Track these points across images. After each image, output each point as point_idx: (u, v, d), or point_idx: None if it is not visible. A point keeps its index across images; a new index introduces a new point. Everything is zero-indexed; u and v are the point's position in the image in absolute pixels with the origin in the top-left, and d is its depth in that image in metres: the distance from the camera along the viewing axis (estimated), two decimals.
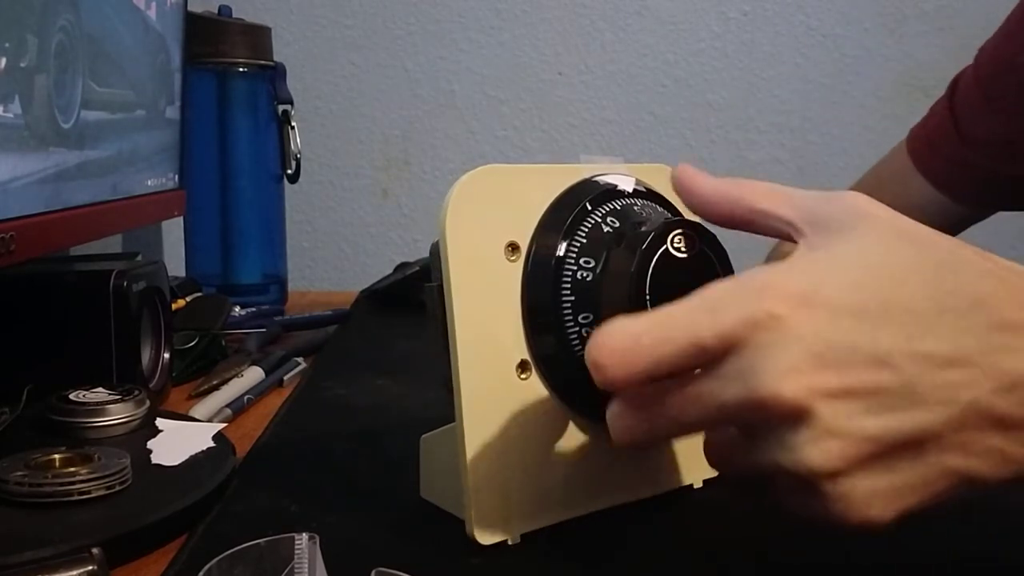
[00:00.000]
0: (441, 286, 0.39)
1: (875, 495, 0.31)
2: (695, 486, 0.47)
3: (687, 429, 0.35)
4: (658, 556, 0.40)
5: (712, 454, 0.37)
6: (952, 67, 0.81)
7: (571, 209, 0.40)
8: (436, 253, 0.40)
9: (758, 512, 0.44)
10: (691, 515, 0.44)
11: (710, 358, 0.32)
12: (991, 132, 0.74)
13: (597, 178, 0.42)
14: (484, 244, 0.39)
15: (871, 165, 0.89)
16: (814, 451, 0.31)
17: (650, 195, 0.43)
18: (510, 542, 0.40)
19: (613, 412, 0.35)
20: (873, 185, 0.85)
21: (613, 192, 0.41)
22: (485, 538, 0.39)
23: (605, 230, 0.40)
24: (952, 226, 0.82)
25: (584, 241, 0.39)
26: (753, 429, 0.33)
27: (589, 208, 0.40)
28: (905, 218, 0.35)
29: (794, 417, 0.31)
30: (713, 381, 0.32)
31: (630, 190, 0.42)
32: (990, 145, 0.75)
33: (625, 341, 0.33)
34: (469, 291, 0.38)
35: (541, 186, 0.41)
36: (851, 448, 0.31)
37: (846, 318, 0.31)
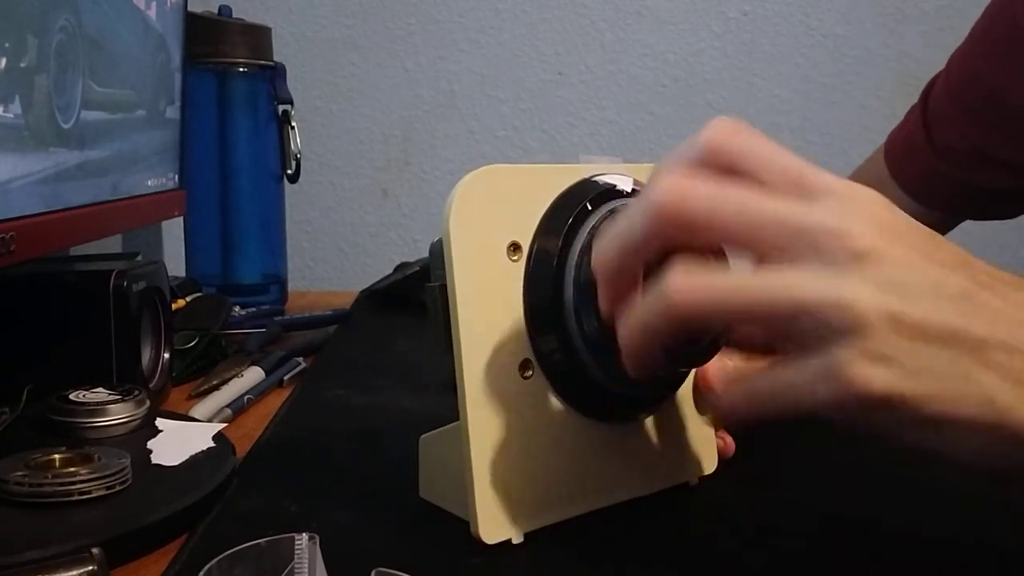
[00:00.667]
0: (443, 286, 0.39)
1: (891, 365, 0.30)
2: (691, 483, 0.47)
3: (735, 226, 0.32)
4: (661, 553, 0.40)
5: (737, 274, 0.33)
6: None
7: (572, 209, 0.40)
8: (436, 253, 0.40)
9: (760, 505, 0.44)
10: (692, 512, 0.45)
11: (797, 191, 0.32)
12: (961, 141, 0.74)
13: (596, 178, 0.42)
14: (486, 244, 0.39)
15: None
16: (869, 296, 0.30)
17: None
18: (514, 541, 0.40)
19: (679, 272, 0.32)
20: None
21: (612, 192, 0.41)
22: (490, 537, 0.39)
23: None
24: None
25: (587, 239, 0.40)
26: (808, 254, 0.31)
27: (589, 208, 0.40)
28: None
29: (862, 257, 0.30)
30: (796, 201, 0.31)
31: (629, 190, 0.42)
32: (960, 154, 0.74)
33: (748, 132, 0.34)
34: (472, 291, 0.39)
35: (542, 186, 0.41)
36: (903, 308, 0.30)
37: (927, 234, 0.32)
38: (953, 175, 0.75)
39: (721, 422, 0.46)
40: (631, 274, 0.34)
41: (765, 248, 0.32)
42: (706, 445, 0.48)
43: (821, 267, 0.30)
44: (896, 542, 0.41)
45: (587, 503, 0.43)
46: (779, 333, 0.32)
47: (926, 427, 0.30)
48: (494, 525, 0.39)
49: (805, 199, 0.31)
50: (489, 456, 0.39)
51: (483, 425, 0.39)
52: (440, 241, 0.40)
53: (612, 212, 0.40)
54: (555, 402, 0.41)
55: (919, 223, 0.33)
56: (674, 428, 0.47)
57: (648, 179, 0.34)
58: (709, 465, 0.48)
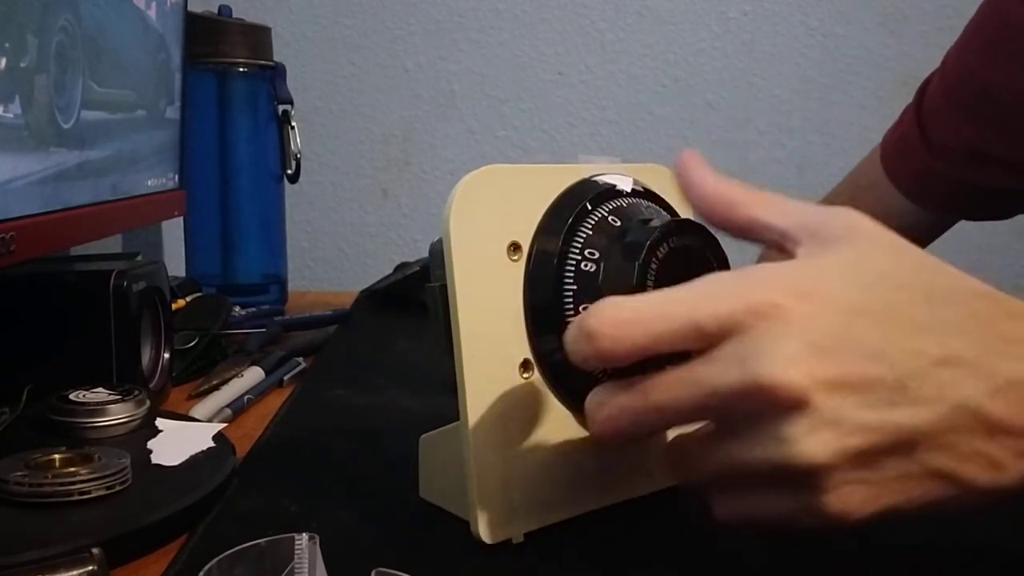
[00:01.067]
0: (443, 286, 0.39)
1: (859, 491, 0.31)
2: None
3: (673, 418, 0.34)
4: (661, 553, 0.40)
5: (676, 454, 0.36)
6: None
7: (572, 209, 0.40)
8: (436, 253, 0.40)
9: None
10: (692, 511, 0.44)
11: (707, 342, 0.32)
12: (956, 140, 0.74)
13: (596, 178, 0.42)
14: (487, 244, 0.39)
15: None
16: (811, 442, 0.30)
17: (648, 195, 0.43)
18: (514, 541, 0.40)
19: (595, 400, 0.35)
20: (850, 192, 0.85)
21: (612, 192, 0.41)
22: (490, 537, 0.39)
23: (607, 227, 0.40)
24: (922, 234, 0.81)
25: (590, 233, 0.40)
26: (741, 419, 0.32)
27: (589, 208, 0.40)
28: (898, 236, 0.36)
29: (792, 406, 0.30)
30: (710, 365, 0.32)
31: (628, 190, 0.42)
32: (955, 153, 0.74)
33: (623, 312, 0.33)
34: (472, 291, 0.39)
35: (541, 186, 0.41)
36: (846, 440, 0.31)
37: (845, 313, 0.32)
38: (947, 174, 0.75)
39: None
40: None
41: (715, 420, 0.34)
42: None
43: (766, 427, 0.31)
44: (896, 542, 0.41)
45: (587, 503, 0.43)
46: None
47: (907, 514, 0.32)
48: (494, 525, 0.39)
49: (716, 350, 0.32)
50: (489, 456, 0.39)
51: (483, 425, 0.39)
52: (440, 241, 0.40)
53: (613, 212, 0.40)
54: (555, 402, 0.41)
55: (840, 289, 0.32)
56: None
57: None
58: None
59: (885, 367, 0.31)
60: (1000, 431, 0.31)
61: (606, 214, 0.40)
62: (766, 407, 0.31)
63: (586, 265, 0.39)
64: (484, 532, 0.39)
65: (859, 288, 0.33)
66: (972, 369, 0.31)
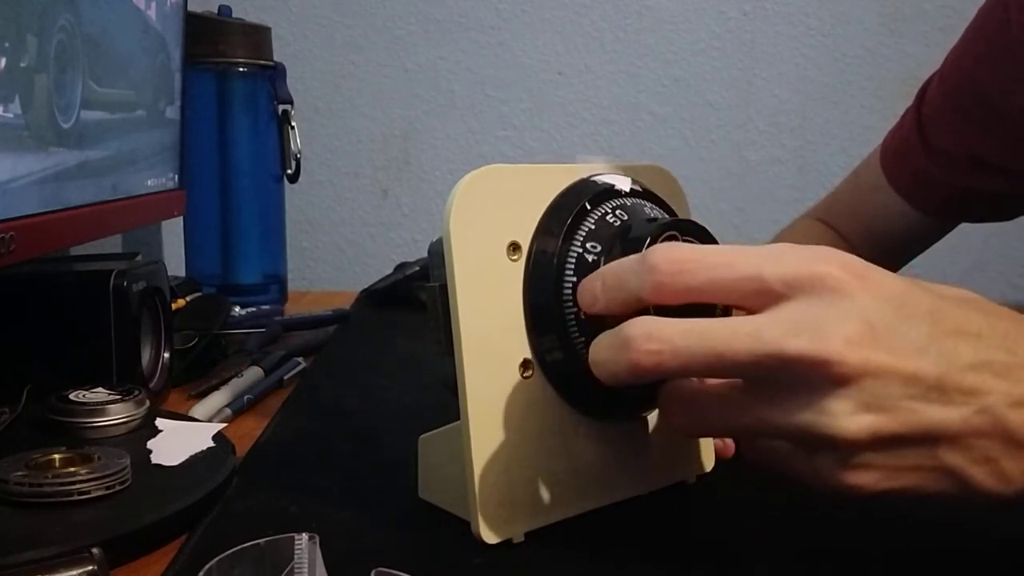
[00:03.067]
0: (443, 286, 0.39)
1: (875, 472, 0.33)
2: (689, 482, 0.47)
3: (720, 368, 0.33)
4: (661, 553, 0.40)
5: (687, 406, 0.36)
6: None
7: (571, 209, 0.40)
8: (436, 253, 0.40)
9: (761, 505, 0.44)
10: (692, 511, 0.44)
11: (764, 299, 0.33)
12: (954, 144, 0.74)
13: (595, 178, 0.42)
14: (487, 244, 0.39)
15: None
16: (852, 419, 0.32)
17: (647, 195, 0.43)
18: (514, 540, 0.40)
19: (642, 329, 0.33)
20: (850, 193, 0.84)
21: (611, 191, 0.41)
22: (491, 537, 0.39)
23: (609, 224, 0.40)
24: (921, 238, 0.81)
25: (591, 229, 0.40)
26: (784, 384, 0.33)
27: (588, 208, 0.40)
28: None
29: (842, 382, 0.32)
30: (776, 324, 0.32)
31: (627, 189, 0.42)
32: (953, 157, 0.74)
33: (690, 253, 0.34)
34: (473, 290, 0.39)
35: (541, 186, 0.41)
36: (882, 424, 0.32)
37: (896, 303, 0.33)
38: (945, 177, 0.75)
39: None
40: None
41: (755, 377, 0.34)
42: (704, 444, 0.48)
43: (806, 394, 0.32)
44: (896, 539, 0.41)
45: (587, 502, 0.43)
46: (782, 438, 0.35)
47: (910, 500, 0.34)
48: (495, 525, 0.39)
49: (773, 309, 0.33)
50: (490, 456, 0.39)
51: (484, 425, 0.39)
52: (439, 241, 0.40)
53: (612, 211, 0.40)
54: (555, 401, 0.41)
55: (886, 282, 0.33)
56: None
57: (619, 323, 0.35)
58: (707, 463, 0.48)
59: (928, 363, 0.32)
60: (1014, 443, 0.33)
61: (607, 212, 0.40)
62: (818, 377, 0.32)
63: (588, 257, 0.39)
64: (485, 532, 0.39)
65: (903, 283, 0.34)
66: (1000, 379, 0.33)
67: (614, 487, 0.44)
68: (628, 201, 0.41)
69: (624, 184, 0.42)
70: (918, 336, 0.33)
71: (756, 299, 0.33)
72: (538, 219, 0.41)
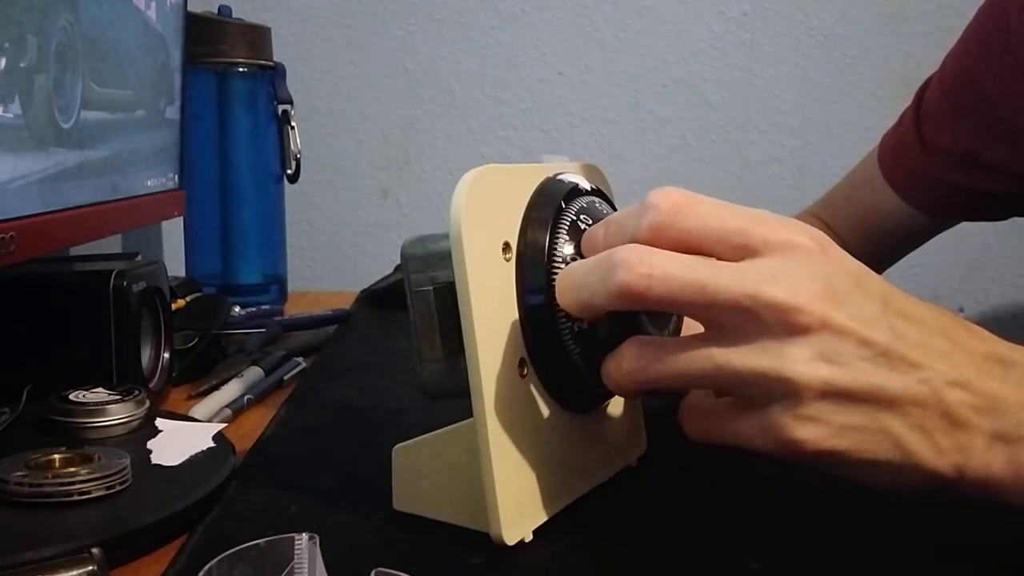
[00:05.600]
0: (439, 288, 0.39)
1: (821, 427, 0.35)
2: (632, 465, 0.49)
3: (704, 302, 0.35)
4: (661, 553, 0.40)
5: (645, 349, 0.38)
6: None
7: (550, 209, 0.41)
8: (415, 256, 0.40)
9: (761, 506, 0.44)
10: (691, 511, 0.44)
11: (742, 254, 0.36)
12: (953, 142, 0.74)
13: (560, 177, 0.43)
14: (488, 243, 0.39)
15: None
16: (808, 366, 0.34)
17: (597, 192, 0.44)
18: (525, 540, 0.40)
19: (637, 254, 0.36)
20: (846, 191, 0.85)
21: (577, 190, 0.42)
22: (512, 538, 0.39)
23: (580, 227, 0.41)
24: (913, 234, 0.81)
25: (567, 233, 0.40)
26: (746, 328, 0.35)
27: (563, 207, 0.41)
28: None
29: (803, 331, 0.34)
30: (755, 273, 0.35)
31: (588, 188, 0.43)
32: (951, 155, 0.74)
33: (689, 198, 0.37)
34: (482, 290, 0.38)
35: (521, 185, 0.42)
36: (836, 376, 0.35)
37: (854, 276, 0.36)
38: (943, 177, 0.75)
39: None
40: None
41: (720, 322, 0.36)
42: (639, 428, 0.50)
43: (767, 340, 0.35)
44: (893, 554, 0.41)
45: (572, 494, 0.44)
46: (729, 391, 0.38)
47: (848, 468, 0.36)
48: (513, 526, 0.39)
49: (751, 260, 0.36)
50: (504, 457, 0.39)
51: (498, 426, 0.39)
52: (414, 243, 0.40)
53: (581, 211, 0.41)
54: (545, 397, 0.42)
55: (852, 263, 0.37)
56: (620, 413, 0.49)
57: (606, 248, 0.38)
58: (642, 446, 0.51)
59: (879, 333, 0.35)
60: (949, 418, 0.35)
61: (576, 214, 0.41)
62: (782, 325, 0.35)
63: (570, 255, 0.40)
64: (507, 534, 0.39)
65: (861, 266, 0.37)
66: (940, 359, 0.36)
67: (588, 476, 0.45)
68: (589, 200, 0.42)
69: (583, 183, 0.43)
70: (872, 309, 0.36)
71: (738, 252, 0.36)
72: (520, 218, 0.41)
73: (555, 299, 0.39)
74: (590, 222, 0.41)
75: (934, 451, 0.35)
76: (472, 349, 0.38)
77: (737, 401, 0.37)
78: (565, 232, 0.40)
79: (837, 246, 0.37)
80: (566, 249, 0.40)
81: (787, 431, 0.35)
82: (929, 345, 0.36)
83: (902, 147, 0.79)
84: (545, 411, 0.42)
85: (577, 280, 0.38)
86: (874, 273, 0.38)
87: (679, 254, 0.36)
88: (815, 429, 0.35)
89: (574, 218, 0.41)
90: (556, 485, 0.42)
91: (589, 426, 0.46)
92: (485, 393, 0.38)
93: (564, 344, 0.40)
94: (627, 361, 0.38)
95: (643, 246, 0.36)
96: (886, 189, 0.79)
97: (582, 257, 0.40)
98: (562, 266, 0.40)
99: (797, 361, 0.34)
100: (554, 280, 0.39)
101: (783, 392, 0.35)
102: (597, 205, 0.43)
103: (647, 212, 0.37)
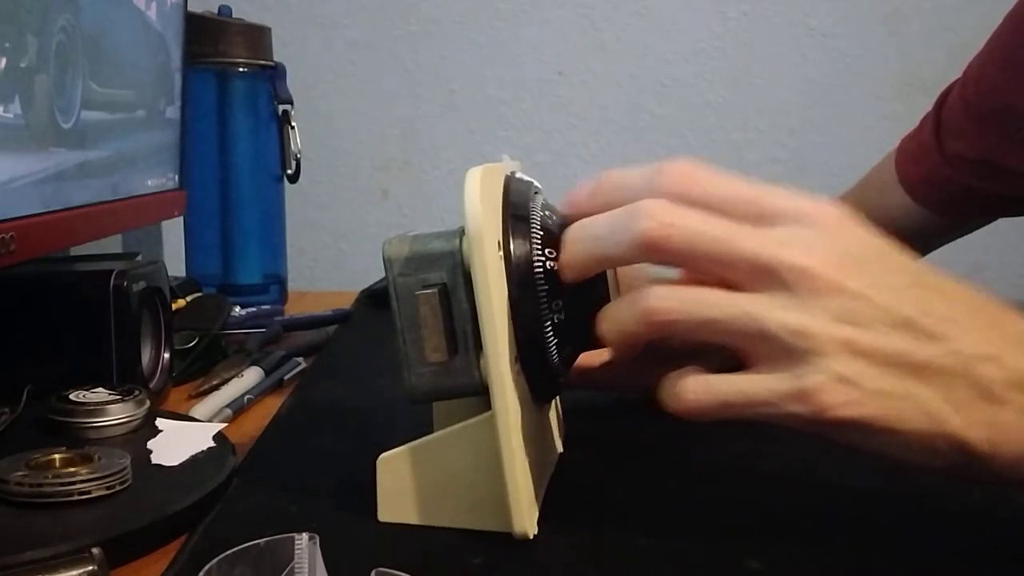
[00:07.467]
0: (442, 288, 0.40)
1: (847, 391, 0.34)
2: (560, 452, 0.50)
3: (725, 260, 0.36)
4: (662, 552, 0.40)
5: (654, 299, 0.36)
6: (952, 67, 0.81)
7: (525, 208, 0.41)
8: (399, 259, 0.40)
9: (762, 505, 0.44)
10: (692, 510, 0.44)
11: (758, 223, 0.36)
12: (972, 150, 0.74)
13: (519, 175, 0.44)
14: (489, 240, 0.39)
15: (871, 165, 0.88)
16: (832, 324, 0.34)
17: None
18: (531, 535, 0.40)
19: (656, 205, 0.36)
20: (859, 192, 0.85)
21: (534, 187, 0.43)
22: (530, 532, 0.40)
23: (550, 222, 0.41)
24: (929, 239, 0.81)
25: (539, 230, 0.40)
26: (769, 285, 0.35)
27: (532, 205, 0.41)
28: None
29: (825, 292, 0.34)
30: (774, 236, 0.35)
31: (538, 186, 0.44)
32: (970, 162, 0.74)
33: (702, 171, 0.37)
34: (494, 287, 0.38)
35: (495, 184, 0.42)
36: (859, 336, 0.34)
37: (878, 253, 0.37)
38: (960, 181, 0.75)
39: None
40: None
41: (738, 279, 0.36)
42: (559, 420, 0.53)
43: (786, 298, 0.35)
44: (894, 555, 0.41)
45: (543, 485, 0.44)
46: (745, 347, 0.36)
47: (877, 437, 0.35)
48: (528, 520, 0.40)
49: (768, 228, 0.36)
50: (516, 453, 0.39)
51: (509, 422, 0.39)
52: (396, 245, 0.41)
53: (543, 206, 0.42)
54: (526, 391, 0.42)
55: (875, 239, 0.37)
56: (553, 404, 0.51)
57: (626, 203, 0.37)
58: (563, 433, 0.53)
59: (902, 304, 0.35)
60: (980, 392, 0.34)
61: (543, 209, 0.42)
62: (800, 283, 0.34)
63: (551, 264, 0.40)
64: (530, 528, 0.39)
65: (886, 243, 0.37)
66: (970, 335, 0.35)
67: (549, 466, 0.47)
68: (542, 198, 0.43)
69: (533, 180, 0.44)
70: (894, 281, 0.36)
71: (752, 221, 0.36)
72: (500, 215, 0.41)
73: (539, 295, 0.39)
74: (554, 218, 0.41)
75: (967, 422, 0.34)
76: (493, 347, 0.38)
77: (757, 366, 0.36)
78: (538, 232, 0.40)
79: (861, 222, 0.37)
80: (543, 251, 0.40)
81: (813, 394, 0.34)
82: (959, 320, 0.35)
83: (920, 150, 0.79)
84: (528, 404, 0.42)
85: (590, 232, 0.38)
86: (904, 250, 0.37)
87: (700, 213, 0.36)
88: (844, 392, 0.34)
89: (543, 213, 0.41)
90: (536, 476, 0.42)
91: (545, 417, 0.47)
92: (507, 390, 0.38)
93: (546, 336, 0.40)
94: (655, 299, 0.36)
95: (666, 200, 0.36)
96: (900, 192, 0.80)
97: (555, 262, 0.40)
98: (545, 262, 0.40)
99: (821, 318, 0.34)
100: (539, 275, 0.39)
101: (806, 348, 0.34)
102: (550, 201, 0.43)
103: (661, 175, 0.37)
